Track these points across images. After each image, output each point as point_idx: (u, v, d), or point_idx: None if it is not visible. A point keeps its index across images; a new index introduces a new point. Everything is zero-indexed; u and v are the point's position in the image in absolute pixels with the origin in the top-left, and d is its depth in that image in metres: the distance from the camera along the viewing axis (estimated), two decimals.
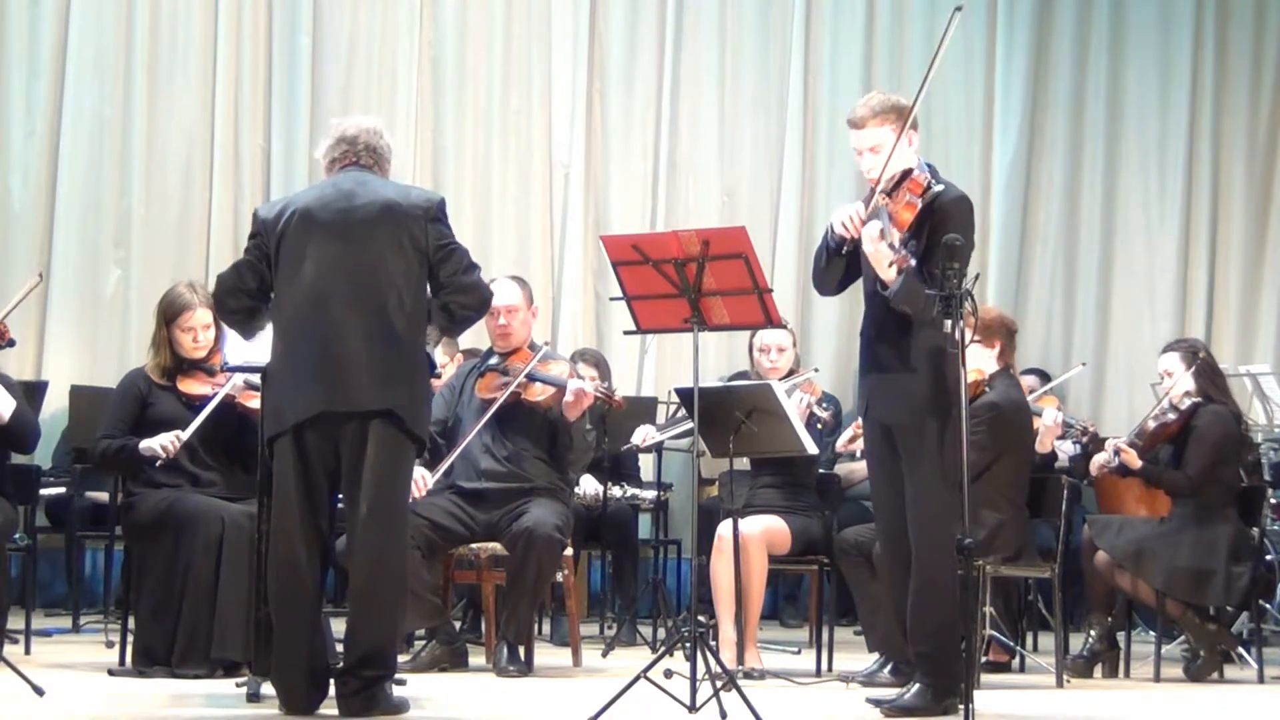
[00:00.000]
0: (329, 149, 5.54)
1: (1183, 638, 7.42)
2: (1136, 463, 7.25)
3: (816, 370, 7.80)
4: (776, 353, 7.33)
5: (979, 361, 6.83)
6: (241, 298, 5.45)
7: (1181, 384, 7.30)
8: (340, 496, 5.40)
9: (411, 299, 5.34)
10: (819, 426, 7.26)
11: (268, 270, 5.40)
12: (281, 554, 5.30)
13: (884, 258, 5.56)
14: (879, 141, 5.68)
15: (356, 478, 5.28)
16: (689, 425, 7.87)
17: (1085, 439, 7.98)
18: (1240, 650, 7.44)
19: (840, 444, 7.36)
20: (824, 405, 7.33)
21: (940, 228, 5.48)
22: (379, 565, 5.27)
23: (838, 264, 5.82)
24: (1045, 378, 9.38)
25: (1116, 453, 7.24)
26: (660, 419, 8.86)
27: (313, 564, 5.31)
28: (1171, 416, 7.30)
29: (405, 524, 5.45)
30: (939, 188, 5.65)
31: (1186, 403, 7.28)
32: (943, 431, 5.56)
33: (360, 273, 5.30)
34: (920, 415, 5.63)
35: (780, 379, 7.18)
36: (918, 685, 5.66)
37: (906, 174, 5.68)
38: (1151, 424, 7.33)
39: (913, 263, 5.57)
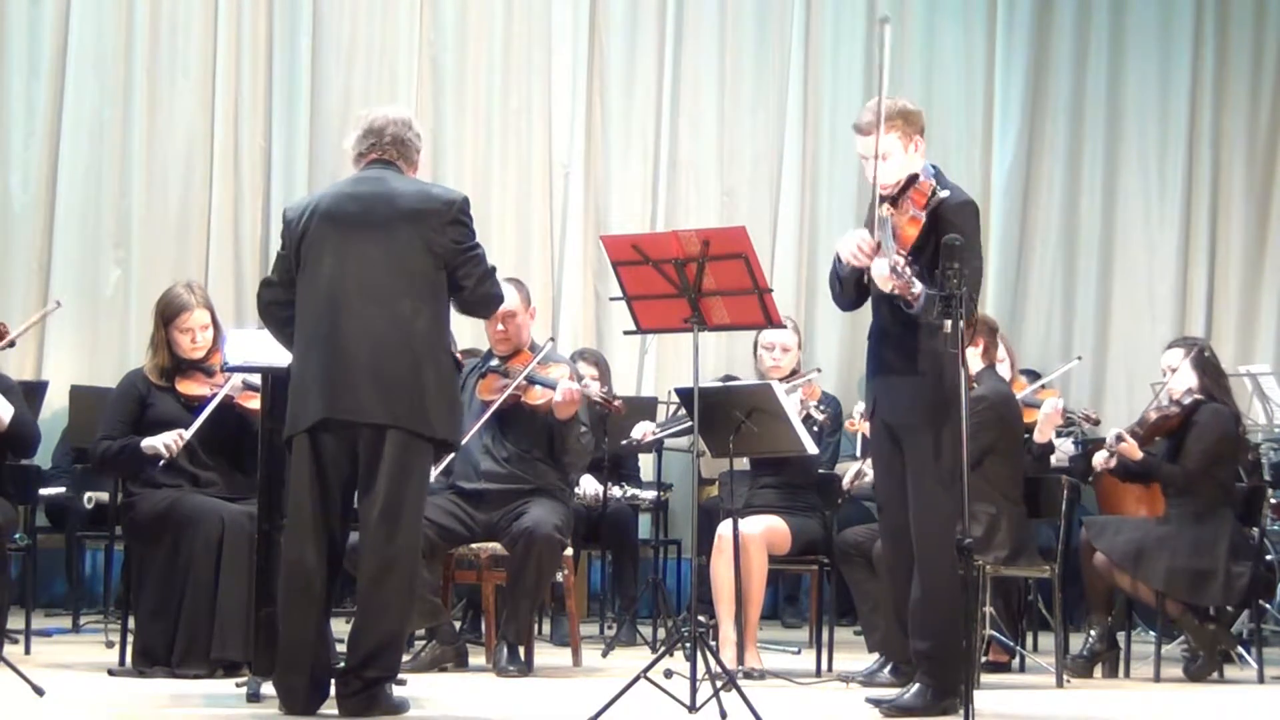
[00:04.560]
0: (357, 141, 5.51)
1: (1183, 638, 7.41)
2: (1136, 453, 7.24)
3: (819, 371, 7.79)
4: (780, 351, 7.34)
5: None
6: (281, 308, 5.45)
7: (1184, 379, 7.30)
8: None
9: (429, 303, 5.33)
10: (815, 429, 7.25)
11: (294, 267, 5.39)
12: (292, 555, 5.30)
13: (902, 288, 5.45)
14: (883, 148, 5.63)
15: (371, 481, 5.27)
16: (689, 423, 7.88)
17: (1086, 439, 7.97)
18: (1240, 650, 7.44)
19: (846, 482, 7.34)
20: (821, 407, 7.30)
21: (946, 234, 5.44)
22: (387, 567, 5.26)
23: (851, 284, 5.80)
24: (1036, 377, 9.36)
25: (1118, 438, 7.22)
26: (660, 419, 8.86)
27: (321, 566, 5.30)
28: (1173, 410, 7.29)
29: (417, 529, 5.40)
30: (944, 194, 5.62)
31: (1188, 399, 7.28)
32: (946, 432, 5.56)
33: (374, 278, 5.28)
34: (925, 416, 5.64)
35: (782, 379, 7.18)
36: (918, 685, 5.67)
37: (912, 180, 5.66)
38: (1153, 415, 7.32)
39: (918, 288, 5.42)
